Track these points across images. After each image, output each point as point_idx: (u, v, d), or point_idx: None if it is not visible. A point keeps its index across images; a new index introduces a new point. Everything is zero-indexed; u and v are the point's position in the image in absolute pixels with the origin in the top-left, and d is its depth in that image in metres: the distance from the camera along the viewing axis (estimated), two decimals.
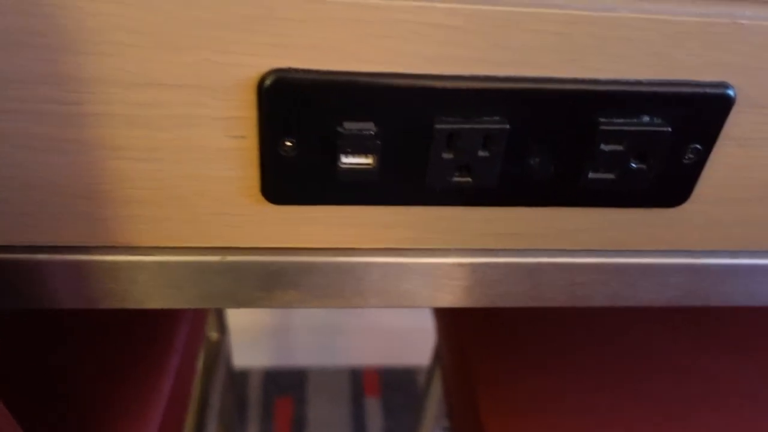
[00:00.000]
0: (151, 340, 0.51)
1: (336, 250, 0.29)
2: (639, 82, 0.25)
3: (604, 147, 0.26)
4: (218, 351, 0.88)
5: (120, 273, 0.29)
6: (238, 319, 1.12)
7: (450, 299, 0.32)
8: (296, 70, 0.23)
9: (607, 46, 0.24)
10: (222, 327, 0.91)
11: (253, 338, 1.16)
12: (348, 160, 0.25)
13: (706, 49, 0.24)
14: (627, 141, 0.26)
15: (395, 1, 0.22)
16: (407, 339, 1.13)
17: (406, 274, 0.31)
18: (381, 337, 1.17)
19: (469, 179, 0.26)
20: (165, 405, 0.48)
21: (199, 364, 0.85)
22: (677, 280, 0.32)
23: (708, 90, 0.25)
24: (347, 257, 0.30)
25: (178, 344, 0.52)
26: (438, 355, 0.74)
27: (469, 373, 0.54)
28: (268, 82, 0.23)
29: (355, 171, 0.25)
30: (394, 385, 1.16)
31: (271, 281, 0.30)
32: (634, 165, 0.26)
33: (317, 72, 0.23)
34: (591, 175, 0.27)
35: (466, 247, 0.30)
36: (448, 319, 0.62)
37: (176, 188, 0.27)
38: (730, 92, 0.25)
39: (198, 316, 0.60)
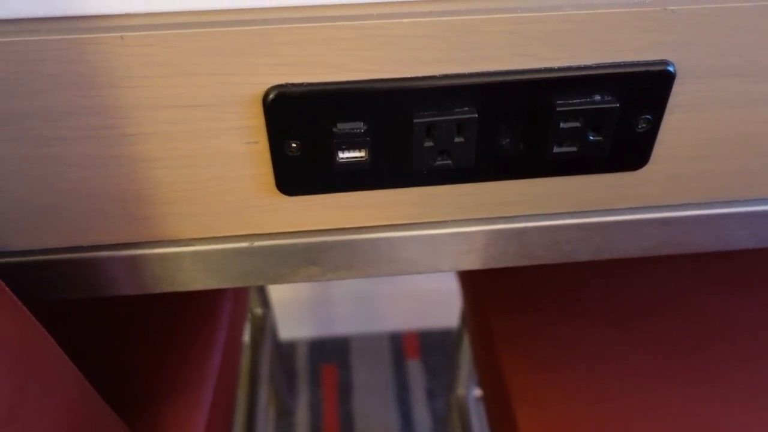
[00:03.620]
0: (199, 319, 0.57)
1: (345, 230, 0.34)
2: (588, 67, 0.29)
3: (563, 125, 0.30)
4: (264, 325, 0.95)
5: (167, 262, 0.35)
6: (280, 294, 1.19)
7: (449, 264, 0.37)
8: (293, 85, 0.28)
9: (556, 39, 0.28)
10: (266, 302, 0.97)
11: (297, 311, 1.23)
12: (344, 155, 0.30)
13: (644, 33, 0.28)
14: (583, 118, 0.30)
15: (366, 21, 0.27)
16: (443, 301, 1.17)
17: (409, 245, 0.35)
18: (418, 301, 1.22)
19: (450, 162, 0.31)
20: (216, 377, 0.54)
21: (246, 338, 0.92)
22: (651, 232, 0.36)
23: (650, 68, 0.29)
24: (355, 235, 0.35)
25: (223, 321, 0.58)
26: (464, 316, 0.78)
27: (491, 332, 0.57)
28: (270, 96, 0.28)
29: (351, 163, 0.30)
30: (434, 347, 1.21)
31: (294, 260, 0.35)
32: (592, 138, 0.30)
33: (310, 84, 0.28)
34: (555, 149, 0.31)
35: (457, 218, 0.35)
36: (470, 281, 0.66)
37: (206, 188, 0.32)
38: (670, 68, 0.29)
39: (240, 295, 0.66)
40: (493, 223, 0.35)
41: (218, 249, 0.34)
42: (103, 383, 0.51)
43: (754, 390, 0.50)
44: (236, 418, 0.82)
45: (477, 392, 0.85)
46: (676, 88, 0.30)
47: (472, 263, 0.36)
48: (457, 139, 0.30)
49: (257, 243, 0.34)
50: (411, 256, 0.36)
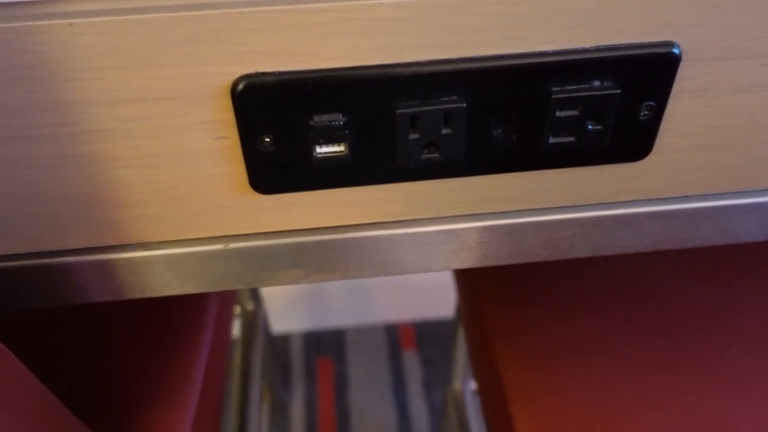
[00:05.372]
0: (184, 321, 0.55)
1: (327, 230, 0.32)
2: (586, 50, 0.26)
3: (559, 113, 0.27)
4: (255, 320, 0.93)
5: (137, 267, 0.32)
6: (273, 288, 1.17)
7: (440, 264, 0.34)
8: (263, 74, 0.26)
9: (551, 20, 0.26)
10: (257, 297, 0.95)
11: (291, 304, 1.21)
12: (322, 150, 0.27)
13: (647, 14, 0.26)
14: (581, 106, 0.27)
15: (343, 2, 0.24)
16: (439, 292, 1.16)
17: (396, 244, 0.33)
18: (413, 292, 1.21)
19: (437, 155, 0.28)
20: (202, 379, 0.52)
21: (238, 334, 0.90)
22: (653, 226, 0.34)
23: (653, 50, 0.26)
24: (338, 234, 0.32)
25: (209, 322, 0.56)
26: (459, 310, 0.77)
27: (486, 326, 0.56)
28: (239, 87, 0.26)
29: (329, 159, 0.28)
30: (430, 338, 1.20)
31: (273, 262, 0.33)
32: (591, 127, 0.28)
33: (282, 73, 0.26)
34: (552, 139, 0.28)
35: (447, 215, 0.32)
36: (464, 275, 0.65)
37: (174, 189, 0.29)
38: (675, 50, 0.27)
39: (226, 294, 0.64)
40: (485, 220, 0.33)
41: (191, 252, 0.32)
42: (87, 388, 0.49)
43: (753, 383, 0.49)
44: (229, 416, 0.81)
45: (473, 386, 0.83)
46: (682, 73, 0.28)
47: (465, 262, 0.34)
48: (444, 131, 0.27)
49: (232, 245, 0.32)
50: (399, 257, 0.34)
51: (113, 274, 0.33)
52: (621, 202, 0.33)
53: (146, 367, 0.51)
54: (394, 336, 1.20)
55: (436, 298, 1.19)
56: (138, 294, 0.34)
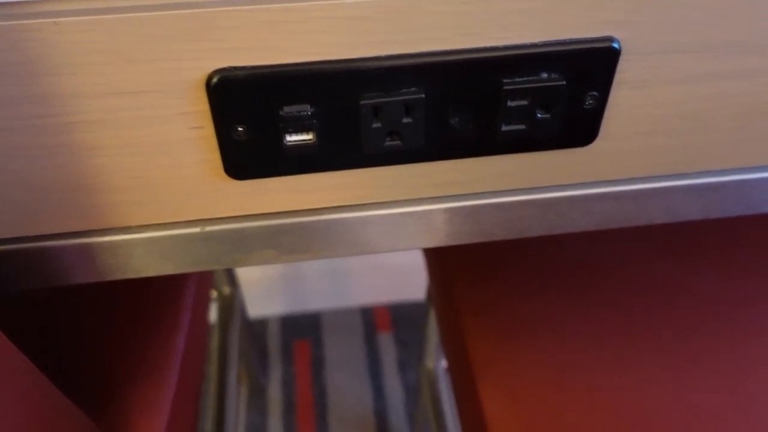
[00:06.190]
0: (163, 302, 0.57)
1: (298, 212, 0.34)
2: (534, 45, 0.29)
3: (511, 103, 0.30)
4: (232, 304, 0.95)
5: (118, 250, 0.34)
6: (250, 272, 1.19)
7: (406, 243, 0.37)
8: (236, 68, 0.28)
9: (502, 18, 0.28)
10: (233, 281, 0.97)
11: (267, 288, 1.23)
12: (292, 138, 0.29)
13: (590, 11, 0.28)
14: (530, 96, 0.30)
15: (310, 2, 0.26)
16: (413, 274, 1.18)
17: (364, 226, 0.35)
18: (388, 275, 1.23)
19: (399, 142, 0.30)
20: (181, 360, 0.54)
21: (215, 318, 0.92)
22: (602, 206, 0.36)
23: (595, 45, 0.29)
24: (309, 217, 0.34)
25: (187, 302, 0.58)
26: (430, 291, 0.79)
27: (455, 306, 0.58)
28: (214, 80, 0.28)
29: (299, 146, 0.30)
30: (405, 320, 1.23)
31: (248, 244, 0.35)
32: (540, 115, 0.30)
33: (254, 67, 0.28)
34: (504, 127, 0.31)
35: (410, 197, 0.35)
36: (434, 255, 0.67)
37: (154, 176, 0.31)
38: (615, 45, 0.29)
39: (204, 275, 0.66)
40: (447, 202, 0.35)
41: (170, 235, 0.34)
42: (65, 370, 0.50)
43: (706, 355, 0.52)
44: (208, 398, 0.83)
45: (445, 364, 0.86)
46: (622, 65, 0.30)
47: (429, 242, 0.37)
48: (405, 120, 0.30)
49: (209, 228, 0.34)
50: (367, 237, 0.36)
51: (95, 257, 0.34)
52: (572, 184, 0.35)
53: (125, 347, 0.53)
54: (370, 318, 1.23)
55: (410, 280, 1.21)
56: (119, 275, 0.36)
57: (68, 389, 0.37)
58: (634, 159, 0.34)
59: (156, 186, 0.31)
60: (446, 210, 0.35)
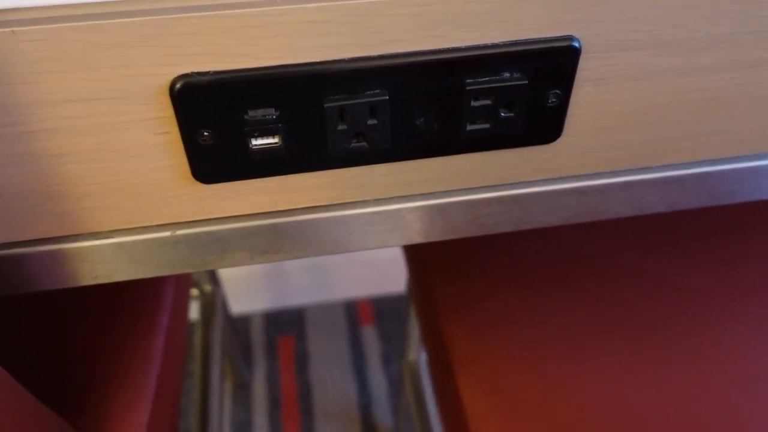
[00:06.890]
0: (141, 304, 0.56)
1: (267, 214, 0.34)
2: (495, 45, 0.29)
3: (474, 103, 0.30)
4: (214, 301, 0.95)
5: (88, 255, 0.34)
6: (231, 269, 1.18)
7: (376, 242, 0.37)
8: (199, 74, 0.28)
9: (463, 19, 0.28)
10: (214, 279, 0.97)
11: (250, 284, 1.23)
12: (257, 142, 0.30)
13: (549, 11, 0.29)
14: (493, 96, 0.30)
15: (270, 7, 0.26)
16: (395, 267, 1.18)
17: (334, 226, 0.36)
18: (370, 269, 1.24)
19: (365, 144, 0.31)
20: (160, 362, 0.54)
21: (197, 316, 0.92)
22: (569, 201, 0.37)
23: (555, 44, 0.29)
24: (279, 218, 0.35)
25: (166, 303, 0.58)
26: (409, 285, 0.80)
27: (434, 300, 0.59)
28: (177, 86, 0.28)
29: (265, 150, 0.30)
30: (387, 313, 1.23)
31: (219, 246, 0.35)
32: (503, 114, 0.31)
33: (217, 73, 0.28)
34: (469, 127, 0.31)
35: (379, 197, 0.35)
36: (413, 250, 0.67)
37: (121, 181, 0.31)
38: (576, 44, 0.29)
39: (182, 276, 0.66)
40: (415, 201, 0.35)
41: (140, 240, 0.34)
42: (43, 375, 0.50)
43: (679, 343, 0.53)
44: (192, 395, 0.83)
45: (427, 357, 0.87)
46: (583, 63, 0.31)
47: (399, 240, 0.37)
48: (370, 122, 0.30)
49: (179, 232, 0.34)
50: (337, 237, 0.36)
51: (65, 263, 0.34)
52: (538, 180, 0.36)
53: (103, 350, 0.53)
54: (353, 312, 1.24)
55: (393, 274, 1.21)
56: (91, 281, 0.35)
57: (46, 394, 0.37)
58: (598, 154, 0.35)
59: (125, 191, 0.31)
60: (415, 208, 0.36)
